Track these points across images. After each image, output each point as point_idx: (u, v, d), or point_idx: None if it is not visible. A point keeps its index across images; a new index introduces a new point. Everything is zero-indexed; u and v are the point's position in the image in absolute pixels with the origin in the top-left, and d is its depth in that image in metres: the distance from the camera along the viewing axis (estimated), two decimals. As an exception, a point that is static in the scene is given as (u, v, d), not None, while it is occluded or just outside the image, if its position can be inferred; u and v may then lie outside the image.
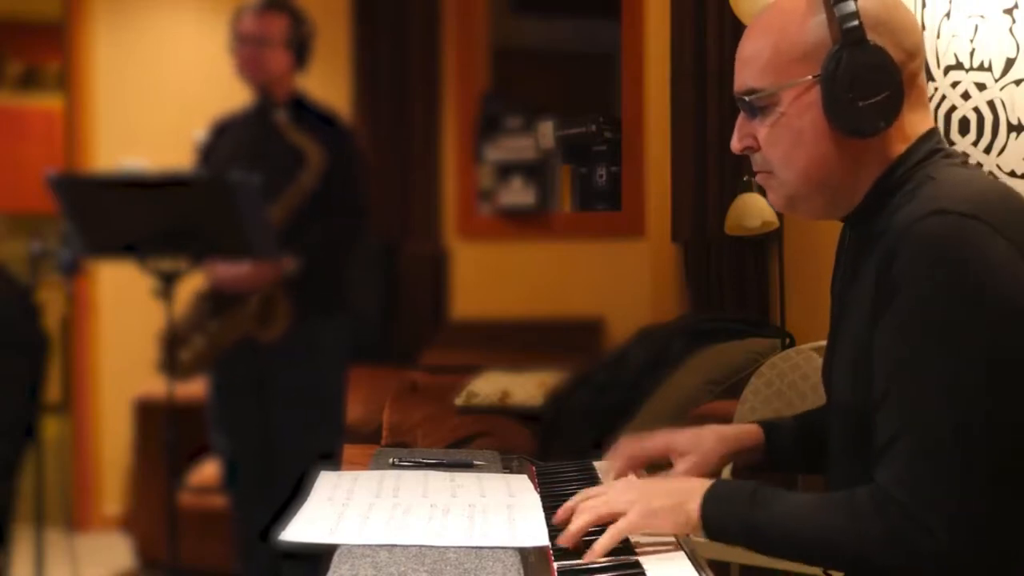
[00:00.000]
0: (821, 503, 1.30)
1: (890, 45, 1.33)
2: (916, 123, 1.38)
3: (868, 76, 1.31)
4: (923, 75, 1.39)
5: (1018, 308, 1.23)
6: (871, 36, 1.31)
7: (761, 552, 1.35)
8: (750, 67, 1.38)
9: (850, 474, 1.37)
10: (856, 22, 1.30)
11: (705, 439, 1.58)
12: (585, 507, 1.37)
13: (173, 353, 3.07)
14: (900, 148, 1.37)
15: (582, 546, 1.34)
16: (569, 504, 1.40)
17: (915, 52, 1.36)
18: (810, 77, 1.34)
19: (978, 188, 1.32)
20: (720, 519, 1.33)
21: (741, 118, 1.42)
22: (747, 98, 1.38)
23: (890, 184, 1.36)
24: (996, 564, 1.24)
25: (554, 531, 1.39)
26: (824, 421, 1.59)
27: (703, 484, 1.36)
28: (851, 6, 1.31)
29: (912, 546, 1.21)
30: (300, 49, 3.21)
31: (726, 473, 1.87)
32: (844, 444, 1.43)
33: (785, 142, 1.37)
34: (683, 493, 1.36)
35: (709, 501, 1.34)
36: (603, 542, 1.32)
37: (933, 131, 1.39)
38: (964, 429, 1.21)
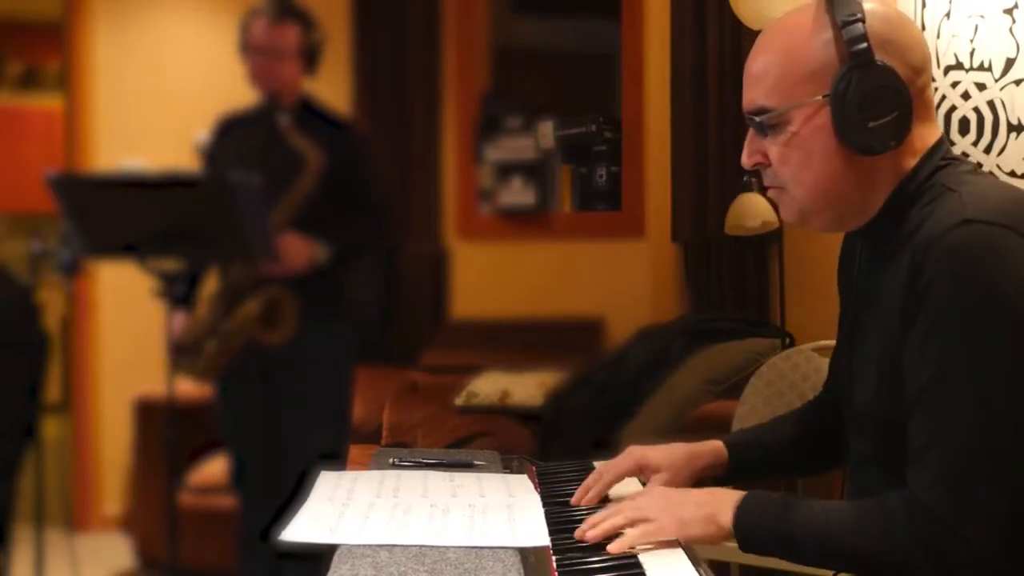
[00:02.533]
0: (854, 512, 1.32)
1: (898, 63, 1.34)
2: (925, 135, 1.39)
3: (878, 96, 1.32)
4: (930, 89, 1.40)
5: None
6: (879, 55, 1.32)
7: (796, 562, 1.36)
8: (759, 86, 1.39)
9: (875, 483, 1.39)
10: (864, 44, 1.31)
11: (676, 456, 1.59)
12: (618, 509, 1.39)
13: (190, 355, 3.09)
14: (911, 161, 1.38)
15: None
16: (598, 515, 1.40)
17: (922, 68, 1.37)
18: (820, 97, 1.35)
19: (1003, 196, 1.33)
20: (753, 531, 1.35)
21: (751, 134, 1.43)
22: (757, 118, 1.39)
23: (904, 197, 1.38)
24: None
25: (555, 533, 1.39)
26: (783, 429, 1.65)
27: (733, 495, 1.38)
28: (859, 28, 1.32)
29: (947, 554, 1.23)
30: (311, 56, 3.22)
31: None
32: (868, 454, 1.44)
33: (796, 160, 1.38)
34: (714, 504, 1.38)
35: (741, 513, 1.35)
36: (633, 537, 1.34)
37: (941, 141, 1.41)
38: (995, 438, 1.23)
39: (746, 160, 1.44)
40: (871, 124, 1.32)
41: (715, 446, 1.63)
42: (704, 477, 1.63)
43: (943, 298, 1.26)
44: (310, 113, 3.22)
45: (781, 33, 1.40)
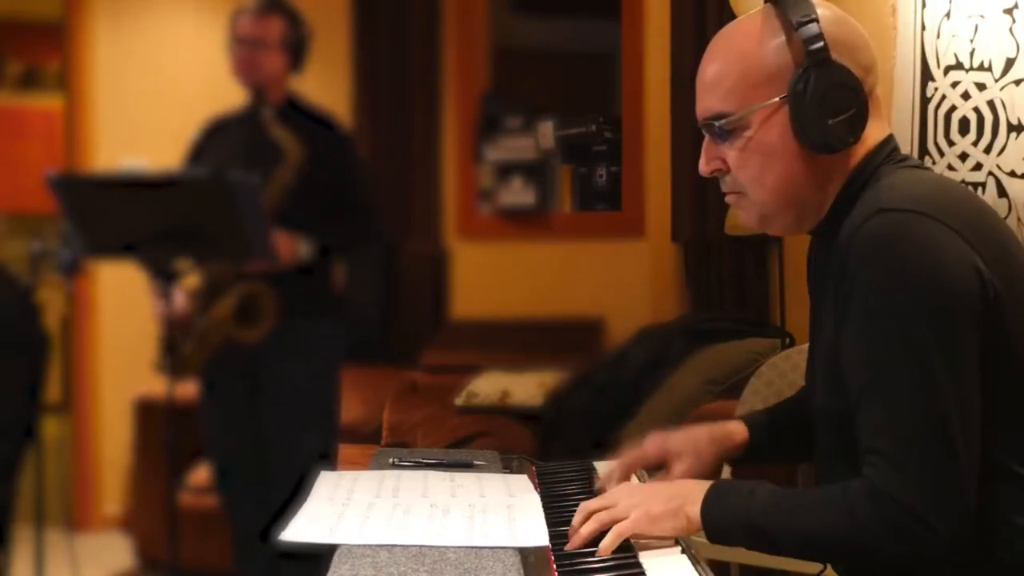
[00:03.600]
0: (818, 499, 1.33)
1: (849, 63, 1.37)
2: (875, 134, 1.42)
3: (835, 94, 1.35)
4: (879, 88, 1.43)
5: (966, 291, 1.27)
6: (833, 55, 1.35)
7: (762, 551, 1.37)
8: (714, 92, 1.42)
9: (837, 474, 1.40)
10: (821, 43, 1.34)
11: (699, 440, 1.60)
12: (591, 516, 1.40)
13: (171, 353, 3.07)
14: (860, 159, 1.41)
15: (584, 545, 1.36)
16: (578, 516, 1.41)
17: (871, 67, 1.41)
18: (777, 99, 1.37)
19: (921, 186, 1.36)
20: (720, 521, 1.35)
21: (707, 142, 1.45)
22: (715, 123, 1.41)
23: (849, 194, 1.40)
24: (987, 542, 1.30)
25: (555, 532, 1.39)
26: (795, 411, 1.66)
27: (702, 487, 1.39)
28: (815, 28, 1.34)
29: (914, 538, 1.25)
30: (296, 51, 3.21)
31: (726, 474, 1.88)
32: (827, 447, 1.47)
33: (755, 163, 1.40)
34: (682, 497, 1.38)
35: (708, 503, 1.36)
36: (606, 542, 1.34)
37: (889, 138, 1.44)
38: (938, 417, 1.25)
39: (704, 167, 1.46)
40: (830, 122, 1.34)
41: (736, 427, 1.64)
42: (727, 460, 1.64)
43: (865, 289, 1.29)
44: (295, 111, 3.22)
45: (733, 39, 1.42)
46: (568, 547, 1.36)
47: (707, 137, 1.44)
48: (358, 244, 3.35)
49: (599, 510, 1.39)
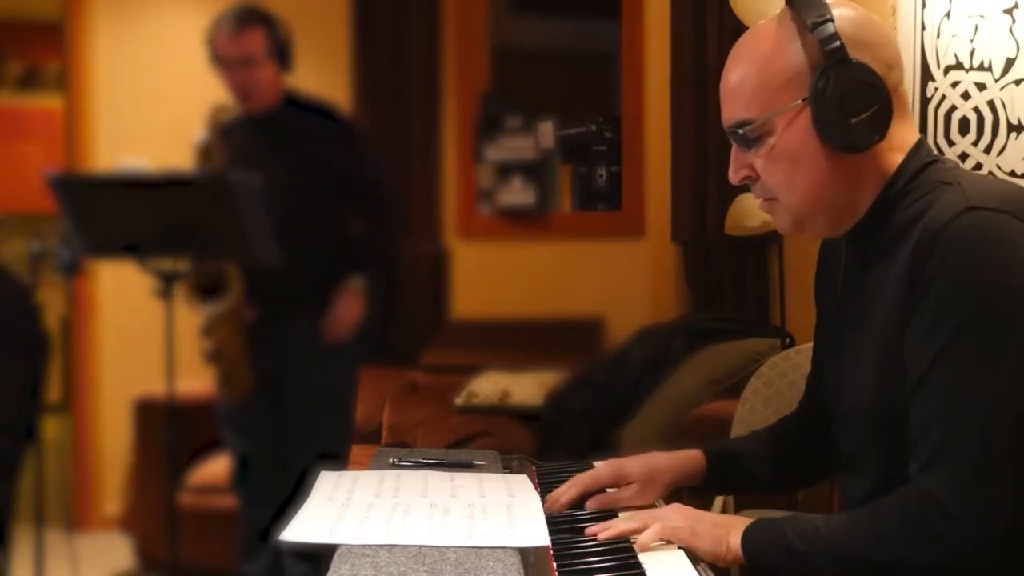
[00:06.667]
0: (850, 516, 1.34)
1: (870, 60, 1.35)
2: (904, 134, 1.41)
3: (856, 92, 1.33)
4: (903, 85, 1.42)
5: None
6: (852, 54, 1.34)
7: (803, 573, 1.37)
8: (736, 99, 1.40)
9: (869, 481, 1.40)
10: (838, 42, 1.33)
11: (655, 466, 1.61)
12: (633, 515, 1.42)
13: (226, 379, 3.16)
14: (895, 159, 1.40)
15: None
16: (614, 520, 1.44)
17: (893, 64, 1.39)
18: (799, 101, 1.36)
19: (999, 186, 1.35)
20: (757, 544, 1.37)
21: (735, 149, 1.44)
22: (739, 130, 1.40)
23: (892, 195, 1.39)
24: (1017, 554, 1.27)
25: (555, 533, 1.39)
26: (764, 446, 1.66)
27: (745, 521, 1.40)
28: (830, 28, 1.33)
29: (942, 539, 1.24)
30: (282, 53, 3.19)
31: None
32: (862, 453, 1.45)
33: (783, 168, 1.39)
34: (728, 526, 1.40)
35: (749, 534, 1.37)
36: (649, 535, 1.37)
37: (922, 141, 1.42)
38: (994, 422, 1.24)
39: (733, 176, 1.45)
40: (853, 120, 1.33)
41: (694, 456, 1.64)
42: (681, 487, 1.64)
43: (949, 283, 1.27)
44: (296, 108, 3.22)
45: (752, 44, 1.41)
46: (602, 535, 1.38)
47: (734, 145, 1.43)
48: (402, 235, 3.38)
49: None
